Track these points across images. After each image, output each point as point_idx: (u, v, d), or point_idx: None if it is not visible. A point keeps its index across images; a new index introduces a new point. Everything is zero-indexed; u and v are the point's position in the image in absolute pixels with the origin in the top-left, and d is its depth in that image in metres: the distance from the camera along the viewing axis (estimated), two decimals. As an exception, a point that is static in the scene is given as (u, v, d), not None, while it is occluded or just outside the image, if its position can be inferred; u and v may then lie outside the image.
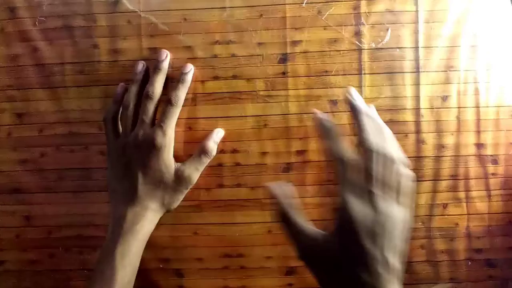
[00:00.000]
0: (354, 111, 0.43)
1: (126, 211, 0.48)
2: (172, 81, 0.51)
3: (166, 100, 0.49)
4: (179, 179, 0.49)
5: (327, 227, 0.40)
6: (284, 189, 0.43)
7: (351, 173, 0.39)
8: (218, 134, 0.51)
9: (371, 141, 0.39)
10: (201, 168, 0.50)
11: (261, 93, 0.51)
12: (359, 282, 0.37)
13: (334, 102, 0.51)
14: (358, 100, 0.43)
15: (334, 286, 0.39)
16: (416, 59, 0.51)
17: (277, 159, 0.51)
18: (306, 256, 0.41)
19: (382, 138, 0.40)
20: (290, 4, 0.51)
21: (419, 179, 0.52)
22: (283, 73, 0.51)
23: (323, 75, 0.51)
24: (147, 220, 0.48)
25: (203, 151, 0.50)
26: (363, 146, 0.40)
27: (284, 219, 0.41)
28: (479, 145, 0.51)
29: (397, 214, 0.39)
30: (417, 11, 0.51)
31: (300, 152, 0.51)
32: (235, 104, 0.51)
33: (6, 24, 0.52)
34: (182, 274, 0.53)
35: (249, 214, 0.52)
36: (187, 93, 0.51)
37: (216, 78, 0.51)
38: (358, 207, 0.38)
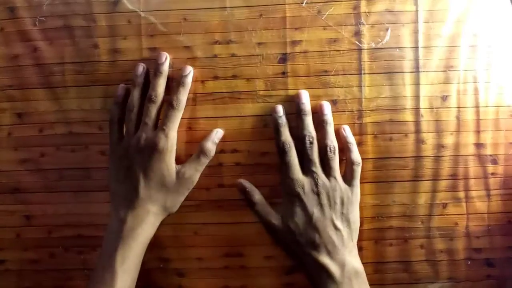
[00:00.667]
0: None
1: (127, 214, 0.48)
2: (173, 81, 0.51)
3: (168, 104, 0.49)
4: (180, 181, 0.49)
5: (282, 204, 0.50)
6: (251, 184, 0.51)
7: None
8: (217, 134, 0.51)
9: None
10: (201, 168, 0.51)
11: (261, 93, 0.51)
12: (314, 245, 0.47)
13: (334, 102, 0.51)
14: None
15: (296, 253, 0.49)
16: (416, 59, 0.51)
17: (277, 159, 0.51)
18: (271, 231, 0.50)
19: None
20: (290, 4, 0.51)
21: (418, 178, 0.52)
22: (283, 73, 0.51)
23: (323, 75, 0.51)
24: (148, 223, 0.48)
25: (202, 152, 0.50)
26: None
27: (254, 205, 0.50)
28: (479, 145, 0.52)
29: (338, 187, 0.49)
30: (417, 11, 0.51)
31: (300, 152, 0.52)
32: (235, 104, 0.52)
33: (6, 24, 0.52)
34: (183, 274, 0.53)
35: (249, 213, 0.52)
36: (187, 93, 0.51)
37: (216, 78, 0.51)
38: (303, 182, 0.48)
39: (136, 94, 0.50)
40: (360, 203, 0.50)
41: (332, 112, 0.51)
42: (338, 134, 0.51)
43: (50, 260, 0.54)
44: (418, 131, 0.51)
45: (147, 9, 0.51)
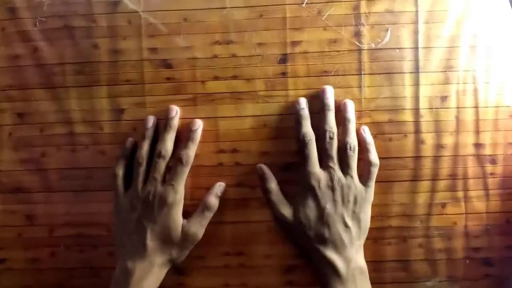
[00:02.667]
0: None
1: (134, 267, 0.48)
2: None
3: (177, 159, 0.49)
4: (185, 236, 0.50)
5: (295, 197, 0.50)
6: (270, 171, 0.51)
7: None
8: (219, 188, 0.52)
9: None
10: (205, 223, 0.51)
11: (261, 93, 0.51)
12: (322, 239, 0.48)
13: (333, 102, 0.51)
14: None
15: (303, 246, 0.49)
16: (416, 60, 0.51)
17: (277, 159, 0.52)
18: (281, 222, 0.50)
19: None
20: (290, 4, 0.51)
21: (418, 178, 0.52)
22: (283, 73, 0.51)
23: (323, 76, 0.51)
24: (154, 276, 0.48)
25: (206, 207, 0.50)
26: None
27: (269, 192, 0.50)
28: (478, 145, 0.52)
29: (353, 186, 0.49)
30: (416, 11, 0.51)
31: (300, 152, 0.52)
32: (235, 104, 0.52)
33: (6, 24, 0.52)
34: (183, 272, 0.53)
35: (249, 213, 0.52)
36: (187, 93, 0.51)
37: (216, 78, 0.52)
38: (319, 176, 0.48)
39: (145, 147, 0.50)
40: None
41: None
42: (357, 134, 0.50)
43: (51, 259, 0.54)
44: (417, 131, 0.52)
45: (147, 9, 0.51)
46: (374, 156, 0.50)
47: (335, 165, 0.49)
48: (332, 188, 0.48)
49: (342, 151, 0.49)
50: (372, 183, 0.50)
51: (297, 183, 0.50)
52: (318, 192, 0.48)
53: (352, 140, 0.49)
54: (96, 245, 0.53)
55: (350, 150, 0.49)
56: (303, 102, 0.50)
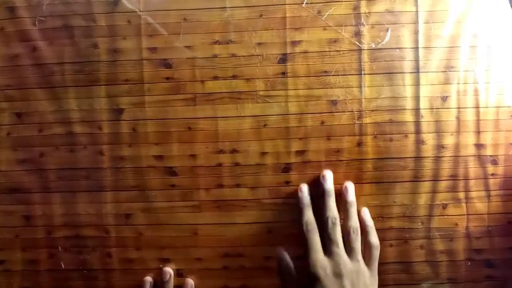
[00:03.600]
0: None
1: None
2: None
3: None
4: None
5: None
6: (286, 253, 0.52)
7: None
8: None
9: None
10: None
11: (261, 93, 0.51)
12: None
13: (334, 102, 0.51)
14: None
15: None
16: (416, 60, 0.51)
17: (277, 159, 0.51)
18: None
19: None
20: (290, 4, 0.51)
21: (418, 179, 0.52)
22: (283, 73, 0.51)
23: (323, 75, 0.51)
24: None
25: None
26: None
27: (282, 274, 0.51)
28: (479, 146, 0.52)
29: (361, 270, 0.48)
30: (417, 11, 0.51)
31: (300, 152, 0.52)
32: (235, 104, 0.51)
33: (5, 24, 0.52)
34: (182, 274, 0.53)
35: (249, 214, 0.52)
36: (186, 93, 0.51)
37: (216, 78, 0.51)
38: (325, 264, 0.48)
39: None
40: (361, 203, 0.51)
41: (332, 112, 0.51)
42: (358, 215, 0.51)
43: (49, 261, 0.53)
44: (418, 131, 0.51)
45: (147, 9, 0.51)
46: (374, 238, 0.50)
47: (340, 250, 0.48)
48: (340, 275, 0.48)
49: (345, 235, 0.49)
50: (375, 266, 0.50)
51: (303, 271, 0.49)
52: (325, 280, 0.47)
53: (354, 222, 0.50)
54: (94, 247, 0.53)
55: (354, 233, 0.49)
56: (305, 190, 0.51)
